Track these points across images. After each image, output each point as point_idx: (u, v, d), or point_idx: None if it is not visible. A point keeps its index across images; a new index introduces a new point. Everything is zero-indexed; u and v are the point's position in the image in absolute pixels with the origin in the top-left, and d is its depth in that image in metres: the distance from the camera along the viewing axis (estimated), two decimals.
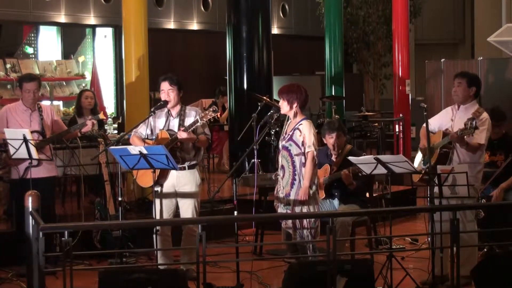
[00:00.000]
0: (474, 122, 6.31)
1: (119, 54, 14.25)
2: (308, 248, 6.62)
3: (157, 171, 6.56)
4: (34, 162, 7.06)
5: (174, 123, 6.85)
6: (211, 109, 6.68)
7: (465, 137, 6.43)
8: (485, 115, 6.68)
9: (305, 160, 6.53)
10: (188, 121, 6.78)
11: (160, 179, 6.74)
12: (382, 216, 7.99)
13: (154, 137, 6.88)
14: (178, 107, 6.90)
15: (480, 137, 6.57)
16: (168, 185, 6.83)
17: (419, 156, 6.97)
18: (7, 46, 14.25)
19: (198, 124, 6.66)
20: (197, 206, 6.90)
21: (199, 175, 6.95)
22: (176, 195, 6.87)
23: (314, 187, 6.57)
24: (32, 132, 7.12)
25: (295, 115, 6.63)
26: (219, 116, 6.69)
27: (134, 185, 8.85)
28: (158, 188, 6.76)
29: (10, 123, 7.25)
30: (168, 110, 6.89)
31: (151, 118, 6.89)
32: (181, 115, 6.85)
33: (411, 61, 14.71)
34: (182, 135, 6.63)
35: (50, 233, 6.58)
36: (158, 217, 6.78)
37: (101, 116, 7.84)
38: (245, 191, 9.11)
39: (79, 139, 8.15)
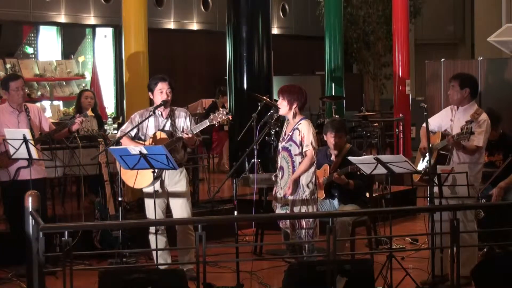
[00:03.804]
0: (470, 127, 6.25)
1: (119, 54, 14.26)
2: (304, 249, 6.62)
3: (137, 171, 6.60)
4: (25, 163, 6.98)
5: (167, 124, 6.85)
6: (224, 111, 6.68)
7: (462, 141, 6.41)
8: (483, 116, 6.62)
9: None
10: (179, 122, 6.84)
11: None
12: (382, 216, 7.99)
13: (142, 136, 6.87)
14: (168, 108, 6.91)
15: (478, 140, 6.51)
16: (157, 185, 6.79)
17: (420, 159, 6.94)
18: (7, 46, 14.26)
19: (206, 125, 6.70)
20: (188, 204, 6.92)
21: (187, 174, 6.98)
22: (167, 194, 6.88)
23: (312, 186, 6.57)
24: None
25: (294, 116, 6.63)
26: (231, 117, 6.68)
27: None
28: (157, 188, 6.76)
29: None
30: (159, 111, 6.87)
31: (137, 118, 6.88)
32: (172, 116, 6.86)
33: (411, 61, 14.71)
34: (189, 136, 6.64)
35: (50, 233, 6.57)
36: (151, 216, 6.76)
37: (89, 113, 7.81)
38: (245, 191, 9.11)
39: (79, 139, 8.15)
